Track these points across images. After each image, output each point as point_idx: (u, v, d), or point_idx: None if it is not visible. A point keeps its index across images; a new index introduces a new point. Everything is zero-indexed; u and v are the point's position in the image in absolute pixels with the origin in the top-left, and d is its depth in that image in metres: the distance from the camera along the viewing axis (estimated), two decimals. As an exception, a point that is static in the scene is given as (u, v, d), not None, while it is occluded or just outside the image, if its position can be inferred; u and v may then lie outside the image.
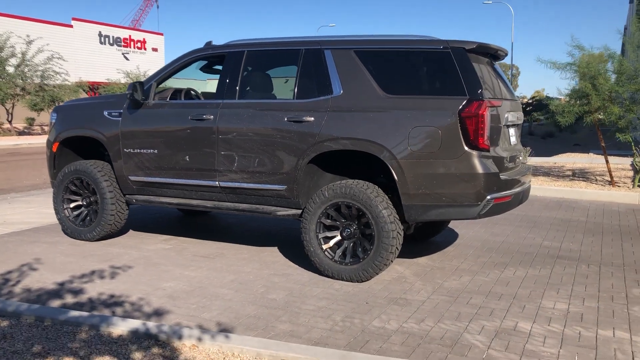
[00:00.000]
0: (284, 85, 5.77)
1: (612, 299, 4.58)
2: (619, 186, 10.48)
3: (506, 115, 4.99)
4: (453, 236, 6.78)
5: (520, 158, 5.46)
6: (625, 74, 9.45)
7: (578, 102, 10.04)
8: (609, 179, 11.05)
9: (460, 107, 4.55)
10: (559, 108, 10.35)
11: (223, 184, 5.53)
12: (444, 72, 4.74)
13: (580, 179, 11.53)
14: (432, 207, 4.71)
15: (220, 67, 5.81)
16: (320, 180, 5.36)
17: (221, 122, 5.45)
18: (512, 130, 5.28)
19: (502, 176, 4.71)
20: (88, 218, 6.26)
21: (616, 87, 9.51)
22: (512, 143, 5.31)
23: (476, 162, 4.56)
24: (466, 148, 4.56)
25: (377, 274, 4.87)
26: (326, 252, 5.04)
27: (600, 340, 3.77)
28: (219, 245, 6.18)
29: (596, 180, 11.39)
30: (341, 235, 5.05)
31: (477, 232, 7.02)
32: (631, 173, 12.40)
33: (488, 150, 4.63)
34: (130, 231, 6.82)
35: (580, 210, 8.65)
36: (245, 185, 5.42)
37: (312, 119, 5.03)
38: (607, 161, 10.77)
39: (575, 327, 4.00)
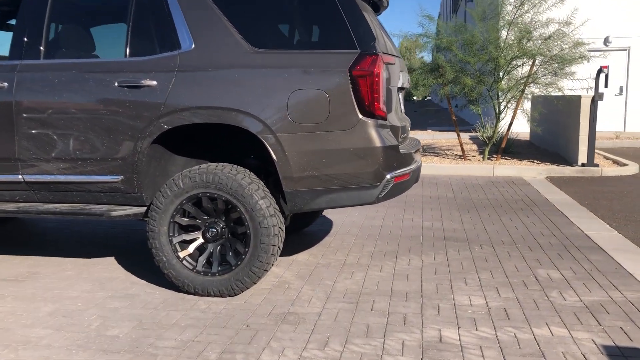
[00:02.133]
0: (111, 38, 4.32)
1: (525, 285, 3.98)
2: (470, 160, 10.48)
3: (399, 76, 4.14)
4: (327, 224, 5.88)
5: (409, 129, 4.67)
6: (476, 44, 9.32)
7: (431, 75, 9.76)
8: (460, 153, 11.06)
9: (351, 63, 3.58)
10: (412, 82, 10.00)
11: (30, 179, 3.98)
12: (327, 19, 3.72)
13: (432, 154, 11.42)
14: (321, 193, 3.69)
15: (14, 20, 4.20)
16: (169, 166, 4.07)
17: (20, 92, 3.88)
18: (400, 96, 4.46)
19: (402, 149, 3.85)
20: None
21: (468, 58, 9.35)
22: (402, 110, 4.50)
23: (373, 133, 3.62)
24: (360, 116, 3.60)
25: (255, 282, 3.75)
26: (185, 261, 3.80)
27: (542, 343, 3.07)
28: (32, 262, 4.58)
29: (446, 155, 11.35)
30: (204, 237, 3.84)
31: (350, 216, 6.20)
32: (474, 147, 12.66)
33: (385, 118, 3.73)
34: None
35: (443, 186, 8.32)
36: (63, 178, 3.93)
37: (154, 82, 3.72)
38: (458, 135, 10.73)
39: (506, 328, 3.27)
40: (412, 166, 4.03)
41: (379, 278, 4.17)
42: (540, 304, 3.63)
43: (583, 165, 9.37)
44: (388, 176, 3.70)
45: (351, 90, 3.57)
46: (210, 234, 3.79)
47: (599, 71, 9.18)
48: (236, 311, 3.53)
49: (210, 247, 3.83)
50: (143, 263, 4.53)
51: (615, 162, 10.18)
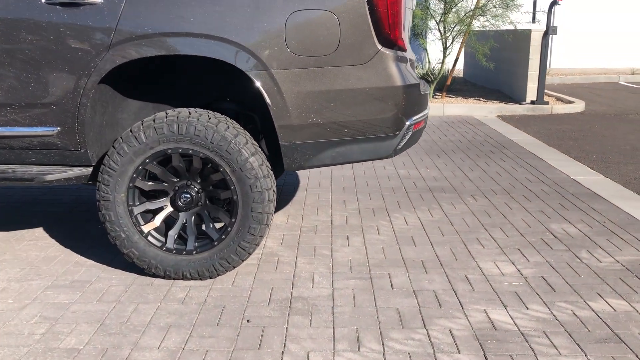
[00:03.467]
0: None
1: (548, 245, 3.49)
2: (415, 98, 9.94)
3: (409, -4, 3.36)
4: (293, 177, 5.12)
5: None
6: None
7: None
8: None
9: (368, -24, 2.75)
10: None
11: None
12: None
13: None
14: (327, 146, 2.92)
15: None
16: (118, 113, 3.12)
17: None
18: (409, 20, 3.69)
19: (421, 89, 3.13)
20: None
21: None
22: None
23: (394, 68, 2.87)
24: (379, 46, 2.82)
25: (244, 260, 2.97)
26: (150, 237, 2.94)
27: (610, 322, 2.57)
28: None
29: (389, 93, 10.74)
30: (173, 205, 2.98)
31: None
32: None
33: (405, 49, 2.97)
34: None
35: (399, 127, 7.72)
36: (-29, 131, 2.88)
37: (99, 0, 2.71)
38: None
39: (559, 304, 2.75)
40: (427, 110, 3.33)
41: (381, 243, 3.52)
42: (578, 269, 3.15)
43: (532, 102, 9.11)
44: (408, 123, 2.99)
45: (367, 11, 2.76)
46: (182, 200, 2.93)
47: (553, 3, 8.79)
48: (226, 299, 2.77)
49: (182, 218, 2.99)
50: (85, 234, 3.60)
51: (559, 99, 10.03)
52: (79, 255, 3.29)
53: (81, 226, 3.78)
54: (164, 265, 2.92)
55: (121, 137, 2.81)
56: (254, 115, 3.22)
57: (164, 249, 2.93)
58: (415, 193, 4.61)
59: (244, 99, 3.24)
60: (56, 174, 2.92)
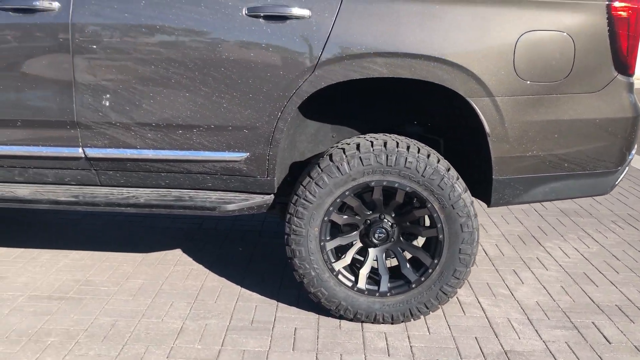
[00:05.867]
0: None
1: None
2: None
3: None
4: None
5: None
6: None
7: None
8: None
9: (612, -5, 2.44)
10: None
11: (94, 153, 2.62)
12: None
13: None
14: (541, 181, 2.62)
15: None
16: (297, 135, 2.83)
17: (82, 16, 2.45)
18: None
19: None
20: None
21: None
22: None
23: (626, 97, 2.56)
24: (614, 72, 2.51)
25: (441, 306, 2.68)
26: (340, 276, 2.66)
27: None
28: (73, 264, 3.24)
29: None
30: (363, 240, 2.70)
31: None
32: None
33: (633, 75, 2.65)
34: None
35: None
36: (151, 154, 2.60)
37: (307, 12, 2.41)
38: None
39: None
40: None
41: (556, 281, 3.22)
42: None
43: None
44: (629, 157, 2.68)
45: (608, 34, 2.44)
46: (375, 236, 2.64)
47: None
48: (434, 352, 2.47)
49: (372, 255, 2.70)
50: (230, 259, 3.33)
51: None
52: (239, 287, 3.01)
53: (220, 247, 3.50)
54: (355, 307, 2.63)
55: (320, 167, 2.52)
56: (439, 140, 2.93)
57: (355, 289, 2.64)
58: (550, 217, 4.30)
59: (429, 122, 2.94)
60: (238, 202, 2.64)
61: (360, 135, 2.65)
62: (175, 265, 3.25)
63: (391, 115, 2.91)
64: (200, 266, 3.25)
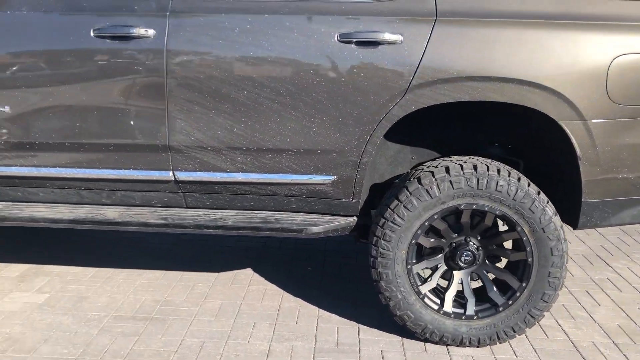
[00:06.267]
0: None
1: None
2: None
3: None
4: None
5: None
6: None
7: None
8: None
9: None
10: None
11: (184, 176, 2.66)
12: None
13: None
14: (631, 204, 2.61)
15: None
16: (377, 157, 2.84)
17: (177, 43, 2.50)
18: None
19: None
20: None
21: None
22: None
23: None
24: None
25: (526, 330, 2.66)
26: (427, 299, 2.66)
27: None
28: (149, 283, 3.28)
29: None
30: (448, 263, 2.70)
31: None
32: None
33: None
34: None
35: None
36: (240, 177, 2.64)
37: (399, 37, 2.43)
38: None
39: None
40: None
41: (632, 303, 3.18)
42: None
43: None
44: None
45: None
46: (462, 259, 2.64)
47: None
48: (527, 377, 2.46)
49: (457, 277, 2.70)
50: (300, 278, 3.34)
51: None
52: (316, 308, 3.02)
53: (289, 267, 3.52)
54: (442, 330, 2.63)
55: (408, 190, 2.53)
56: (519, 162, 2.92)
57: (442, 312, 2.64)
58: (612, 236, 4.25)
59: (510, 144, 2.94)
60: (323, 225, 2.66)
61: (445, 158, 2.66)
62: (248, 285, 3.27)
63: (469, 137, 2.91)
64: (274, 286, 3.26)
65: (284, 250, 3.81)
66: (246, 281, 3.32)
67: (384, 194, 2.76)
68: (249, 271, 3.47)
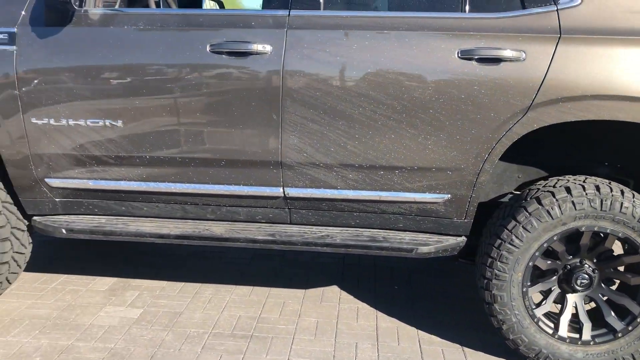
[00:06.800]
0: None
1: None
2: None
3: None
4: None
5: None
6: None
7: None
8: None
9: None
10: None
11: (294, 193, 2.63)
12: None
13: None
14: None
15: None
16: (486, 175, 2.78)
17: (293, 59, 2.48)
18: None
19: None
20: None
21: None
22: None
23: None
24: None
25: (645, 356, 2.57)
26: (541, 323, 2.58)
27: None
28: (247, 299, 3.25)
29: None
30: (561, 286, 2.62)
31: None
32: None
33: None
34: (36, 275, 3.42)
35: None
36: (351, 194, 2.60)
37: (521, 54, 2.38)
38: None
39: None
40: None
41: None
42: None
43: None
44: None
45: None
46: (578, 281, 2.56)
47: None
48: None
49: (571, 301, 2.62)
50: (387, 296, 3.28)
51: None
52: (413, 328, 2.96)
53: (374, 284, 3.46)
54: (556, 355, 2.54)
55: (527, 211, 2.46)
56: (629, 181, 2.84)
57: (556, 336, 2.56)
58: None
59: (620, 163, 2.86)
60: (434, 244, 2.61)
61: (559, 178, 2.59)
62: (339, 303, 3.22)
63: (575, 155, 2.84)
64: (365, 305, 3.21)
65: (365, 268, 3.75)
66: (335, 299, 3.27)
67: (492, 212, 2.71)
68: (335, 288, 3.41)
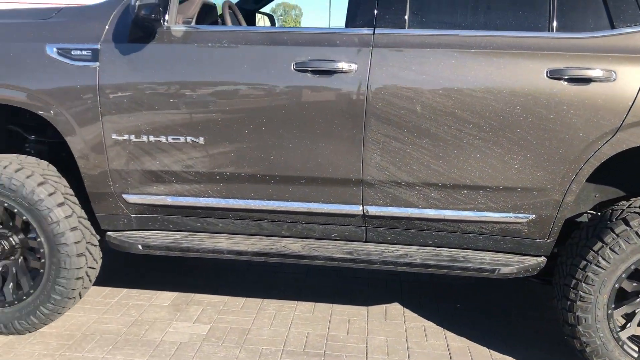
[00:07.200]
0: (510, 5, 2.81)
1: None
2: None
3: None
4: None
5: None
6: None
7: None
8: None
9: None
10: None
11: (375, 211, 2.61)
12: None
13: None
14: None
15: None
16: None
17: (378, 78, 2.47)
18: None
19: None
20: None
21: None
22: None
23: None
24: None
25: None
26: (626, 346, 2.54)
27: None
28: (312, 316, 3.22)
29: None
30: (644, 307, 2.58)
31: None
32: None
33: None
34: (105, 290, 3.42)
35: None
36: (432, 213, 2.58)
37: (612, 75, 2.36)
38: None
39: None
40: None
41: None
42: None
43: None
44: None
45: None
46: (662, 305, 2.52)
47: None
48: None
49: (653, 323, 2.58)
50: (444, 314, 3.24)
51: None
52: (485, 348, 2.92)
53: (436, 302, 3.43)
54: (641, 382, 2.50)
55: (614, 232, 2.43)
56: None
57: (640, 361, 2.52)
58: None
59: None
60: (515, 265, 2.58)
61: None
62: (404, 320, 3.19)
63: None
64: (431, 323, 3.17)
65: (423, 285, 3.71)
66: (399, 316, 3.24)
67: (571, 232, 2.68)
68: (397, 306, 3.39)
